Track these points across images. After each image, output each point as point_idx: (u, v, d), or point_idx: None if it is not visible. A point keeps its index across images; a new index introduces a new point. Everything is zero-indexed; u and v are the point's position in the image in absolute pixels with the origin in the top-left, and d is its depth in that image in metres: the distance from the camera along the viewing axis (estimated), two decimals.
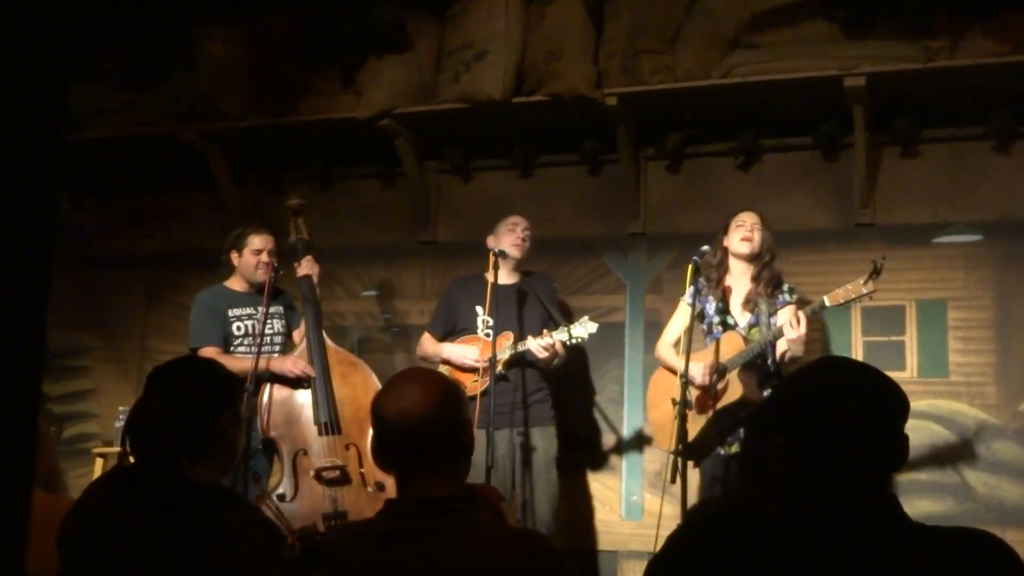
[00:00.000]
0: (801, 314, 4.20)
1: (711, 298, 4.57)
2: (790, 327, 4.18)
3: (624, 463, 5.45)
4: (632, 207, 5.56)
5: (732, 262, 4.59)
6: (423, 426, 2.01)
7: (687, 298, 4.68)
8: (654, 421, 4.81)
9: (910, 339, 5.06)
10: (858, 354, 5.10)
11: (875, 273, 4.10)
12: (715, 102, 5.22)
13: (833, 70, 4.86)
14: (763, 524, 1.69)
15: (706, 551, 1.70)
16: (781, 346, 4.34)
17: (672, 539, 1.84)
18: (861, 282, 4.13)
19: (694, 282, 4.24)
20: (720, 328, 4.52)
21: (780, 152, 5.41)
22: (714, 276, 4.57)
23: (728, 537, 1.69)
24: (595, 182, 5.74)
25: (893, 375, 1.78)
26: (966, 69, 4.74)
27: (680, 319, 4.73)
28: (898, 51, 4.86)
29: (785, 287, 4.56)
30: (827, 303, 4.20)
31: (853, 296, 4.15)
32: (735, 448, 4.40)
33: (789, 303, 4.52)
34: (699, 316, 4.61)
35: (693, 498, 4.11)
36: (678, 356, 4.63)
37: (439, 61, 5.64)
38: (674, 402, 4.40)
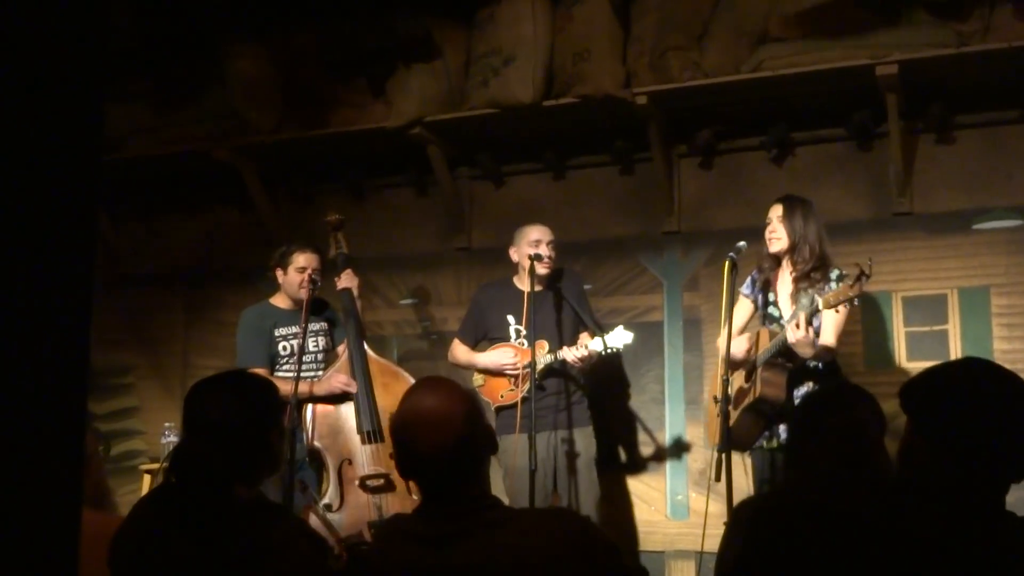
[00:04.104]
0: (803, 316, 4.11)
1: (760, 290, 4.53)
2: (792, 330, 4.09)
3: (668, 462, 5.43)
4: (666, 205, 5.54)
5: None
6: (453, 446, 2.02)
7: (744, 290, 4.61)
8: (709, 414, 4.79)
9: (953, 328, 5.00)
10: (900, 344, 5.05)
11: (862, 276, 4.00)
12: (746, 96, 5.19)
13: (864, 59, 4.81)
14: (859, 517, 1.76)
15: (804, 540, 1.76)
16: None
17: (754, 527, 1.90)
18: (848, 285, 4.03)
19: (730, 279, 4.18)
20: (768, 322, 4.48)
21: (813, 144, 5.36)
22: (765, 267, 4.51)
23: (828, 526, 1.75)
24: (628, 182, 5.73)
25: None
26: (999, 52, 4.67)
27: (739, 312, 4.61)
28: (929, 37, 4.81)
29: (833, 274, 4.34)
30: (820, 306, 4.12)
31: (843, 299, 4.05)
32: (775, 443, 4.35)
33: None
34: (755, 306, 4.58)
35: (738, 495, 4.08)
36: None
37: (467, 67, 5.65)
38: (715, 399, 4.37)
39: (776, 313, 4.46)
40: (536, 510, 2.05)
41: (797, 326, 4.06)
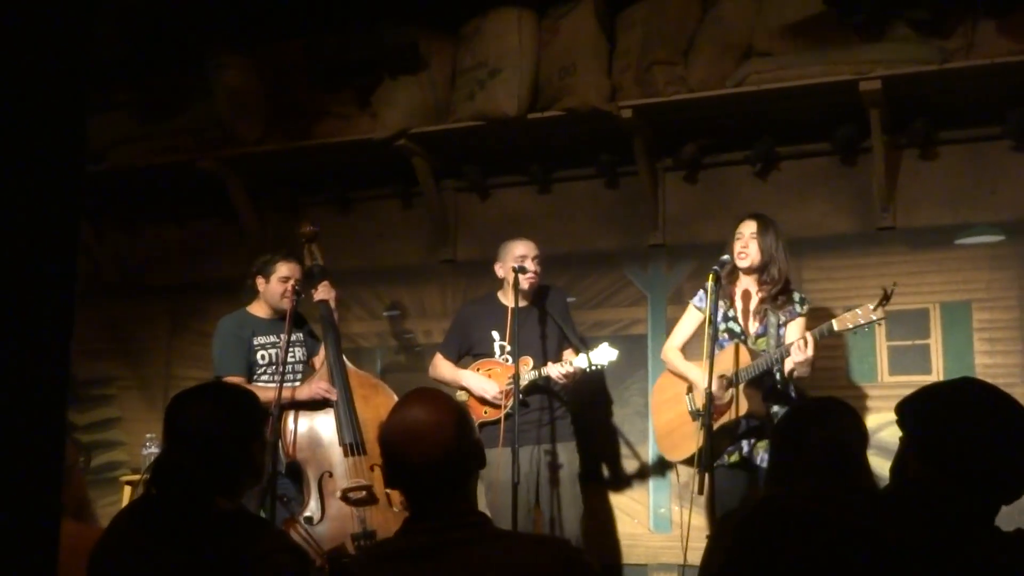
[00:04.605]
0: (809, 336, 4.14)
1: (720, 304, 4.52)
2: (798, 349, 4.12)
3: (651, 475, 5.42)
4: (650, 219, 5.56)
5: (739, 270, 4.55)
6: (442, 459, 2.01)
7: (696, 302, 4.65)
8: (658, 428, 4.77)
9: (935, 342, 5.02)
10: (883, 359, 5.06)
11: (885, 299, 4.03)
12: (730, 111, 5.22)
13: (848, 74, 4.84)
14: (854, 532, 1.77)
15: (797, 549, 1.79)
16: (789, 363, 4.27)
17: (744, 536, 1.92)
18: (871, 307, 4.06)
19: (715, 291, 4.20)
20: (727, 336, 4.47)
21: (797, 159, 5.38)
22: (724, 282, 4.53)
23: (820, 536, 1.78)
24: (613, 195, 5.74)
25: (919, 379, 1.82)
26: (982, 69, 4.71)
27: (688, 323, 4.71)
28: (913, 53, 4.84)
29: (796, 297, 4.49)
30: (835, 327, 4.15)
31: (862, 322, 4.08)
32: (736, 457, 4.36)
33: (800, 315, 4.45)
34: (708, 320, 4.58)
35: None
36: (686, 361, 4.62)
37: (453, 80, 5.66)
38: (694, 415, 4.39)
39: (737, 328, 4.48)
40: (527, 534, 2.05)
41: (804, 346, 4.09)
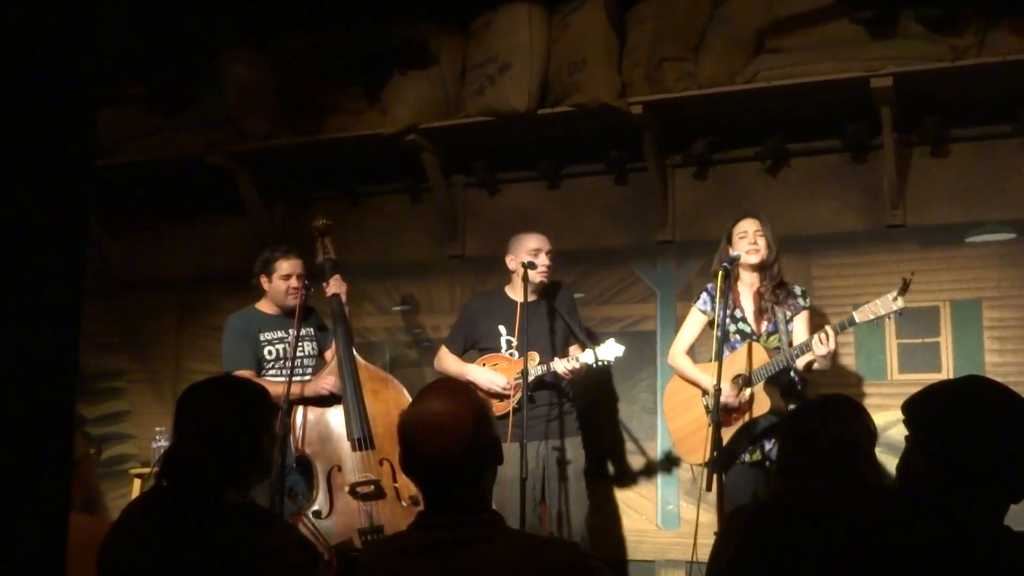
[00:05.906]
0: (829, 329, 4.12)
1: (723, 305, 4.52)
2: (819, 343, 4.11)
3: (659, 472, 5.42)
4: (660, 215, 5.55)
5: (740, 270, 4.53)
6: (457, 453, 2.01)
7: (700, 305, 4.64)
8: (675, 432, 4.72)
9: (945, 340, 5.00)
10: (893, 357, 5.05)
11: (904, 289, 4.03)
12: (741, 107, 5.20)
13: (859, 71, 4.83)
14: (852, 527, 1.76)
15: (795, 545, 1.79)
16: (805, 359, 4.28)
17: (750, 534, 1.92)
18: (891, 298, 4.06)
19: (724, 289, 4.19)
20: (738, 337, 4.47)
21: (808, 155, 5.37)
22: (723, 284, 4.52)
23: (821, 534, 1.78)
24: (622, 191, 5.73)
25: (928, 377, 1.82)
26: (993, 66, 4.69)
27: (692, 327, 4.69)
28: (924, 50, 4.82)
29: (797, 290, 4.52)
30: (856, 319, 4.14)
31: (883, 312, 4.07)
32: (757, 456, 4.36)
33: (804, 307, 4.48)
34: (710, 323, 4.57)
35: (727, 505, 4.08)
36: (696, 365, 4.61)
37: (463, 75, 5.66)
38: (707, 408, 4.37)
39: (748, 329, 4.47)
40: (537, 535, 2.05)
41: (825, 339, 4.08)
